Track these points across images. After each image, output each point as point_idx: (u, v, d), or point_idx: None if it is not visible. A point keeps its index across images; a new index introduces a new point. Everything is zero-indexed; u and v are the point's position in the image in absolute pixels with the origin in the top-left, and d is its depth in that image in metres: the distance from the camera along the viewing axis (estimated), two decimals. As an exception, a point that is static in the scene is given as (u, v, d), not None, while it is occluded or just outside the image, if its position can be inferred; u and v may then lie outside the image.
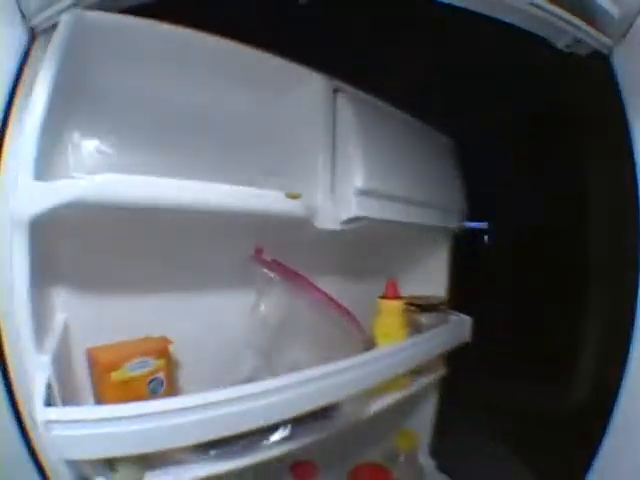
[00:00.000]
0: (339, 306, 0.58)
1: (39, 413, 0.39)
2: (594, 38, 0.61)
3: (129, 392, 0.41)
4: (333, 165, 0.65)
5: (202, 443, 0.45)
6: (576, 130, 2.27)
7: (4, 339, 0.46)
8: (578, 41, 0.64)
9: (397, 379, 0.67)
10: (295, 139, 0.67)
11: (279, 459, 0.54)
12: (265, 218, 0.55)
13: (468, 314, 0.95)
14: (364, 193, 0.64)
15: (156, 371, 0.44)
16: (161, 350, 0.44)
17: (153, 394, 0.43)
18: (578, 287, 2.25)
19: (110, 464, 0.43)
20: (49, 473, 0.44)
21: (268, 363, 0.56)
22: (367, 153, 0.65)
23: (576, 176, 2.27)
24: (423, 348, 0.72)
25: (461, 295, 1.05)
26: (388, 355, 0.62)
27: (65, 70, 0.49)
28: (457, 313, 0.90)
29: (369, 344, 0.68)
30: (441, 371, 0.90)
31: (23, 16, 0.55)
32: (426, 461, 0.98)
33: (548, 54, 0.62)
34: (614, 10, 0.55)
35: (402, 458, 0.84)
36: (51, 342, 0.46)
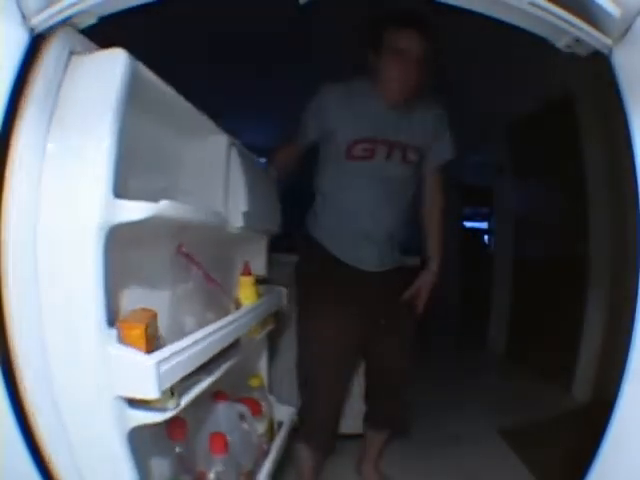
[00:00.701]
0: (216, 283, 0.93)
1: (148, 359, 0.55)
2: (594, 38, 0.61)
3: (150, 342, 0.59)
4: (226, 194, 1.01)
5: (198, 367, 0.69)
6: (576, 129, 2.27)
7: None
8: (578, 41, 0.64)
9: (255, 327, 1.06)
10: (205, 171, 1.02)
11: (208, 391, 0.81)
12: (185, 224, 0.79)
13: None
14: (244, 213, 1.06)
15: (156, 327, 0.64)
16: (154, 314, 0.64)
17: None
18: (578, 287, 2.25)
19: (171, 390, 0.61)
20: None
21: (180, 323, 0.78)
22: (247, 187, 1.07)
23: (576, 175, 2.28)
24: (264, 307, 1.13)
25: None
26: (252, 309, 1.02)
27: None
28: (277, 286, 1.32)
29: (238, 305, 1.03)
30: (272, 325, 1.29)
31: (23, 16, 0.55)
32: (271, 397, 1.40)
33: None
34: (614, 10, 0.55)
35: (255, 393, 1.21)
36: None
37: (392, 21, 1.17)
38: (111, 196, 0.55)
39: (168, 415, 0.61)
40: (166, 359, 0.58)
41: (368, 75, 1.23)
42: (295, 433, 1.32)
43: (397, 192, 1.30)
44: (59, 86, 0.57)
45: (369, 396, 1.46)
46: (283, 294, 1.34)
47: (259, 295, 1.11)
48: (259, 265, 1.35)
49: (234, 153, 1.07)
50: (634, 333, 0.60)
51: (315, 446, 1.29)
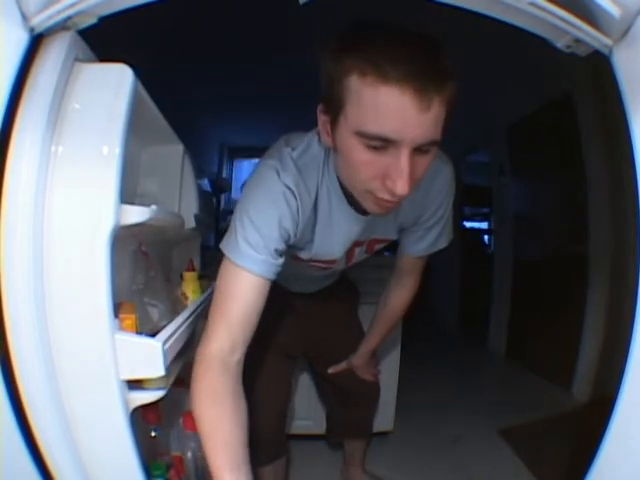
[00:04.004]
0: (169, 278, 1.07)
1: (155, 343, 0.62)
2: (594, 38, 0.61)
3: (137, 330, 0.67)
4: (180, 198, 1.14)
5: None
6: (576, 129, 2.27)
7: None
8: (578, 41, 0.64)
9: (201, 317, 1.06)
10: (161, 176, 1.11)
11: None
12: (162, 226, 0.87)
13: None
14: (195, 215, 1.18)
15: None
16: (134, 305, 0.71)
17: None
18: (578, 287, 2.25)
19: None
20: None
21: (147, 313, 0.82)
22: (197, 192, 1.22)
23: (576, 176, 2.28)
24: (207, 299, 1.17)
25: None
26: (200, 301, 1.03)
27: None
28: (214, 283, 1.29)
29: (186, 298, 1.01)
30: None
31: (23, 16, 0.55)
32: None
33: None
34: (614, 10, 0.55)
35: None
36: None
37: (362, 63, 0.52)
38: (119, 201, 0.59)
39: (162, 394, 0.68)
40: (165, 340, 0.65)
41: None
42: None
43: (344, 271, 1.09)
44: (62, 90, 0.58)
45: (324, 405, 1.43)
46: None
47: (202, 287, 1.14)
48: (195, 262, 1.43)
49: (187, 161, 1.18)
50: (634, 333, 0.60)
51: (272, 459, 1.13)
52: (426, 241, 0.90)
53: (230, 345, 0.66)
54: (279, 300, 0.81)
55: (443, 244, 0.91)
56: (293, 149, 0.72)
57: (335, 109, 0.57)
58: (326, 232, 0.77)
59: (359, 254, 0.91)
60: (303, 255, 0.82)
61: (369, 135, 0.53)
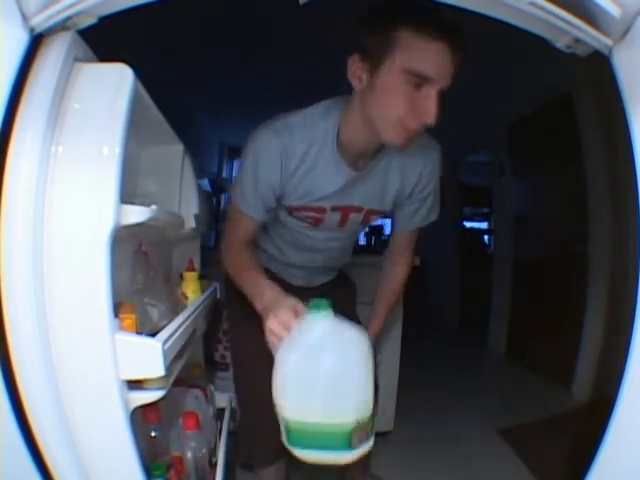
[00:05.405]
0: (169, 278, 1.09)
1: (154, 343, 0.62)
2: (594, 38, 0.61)
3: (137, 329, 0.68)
4: (180, 198, 1.14)
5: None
6: (576, 129, 2.27)
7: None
8: (578, 41, 0.64)
9: (200, 317, 1.09)
10: (161, 176, 1.13)
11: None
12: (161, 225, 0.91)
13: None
14: (195, 215, 1.19)
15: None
16: (134, 305, 0.71)
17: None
18: (578, 286, 2.25)
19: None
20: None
21: (146, 313, 0.83)
22: (197, 192, 1.21)
23: (576, 175, 2.28)
24: (209, 299, 1.21)
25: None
26: (202, 301, 1.07)
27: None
28: (214, 283, 1.33)
29: (185, 298, 1.06)
30: (210, 316, 1.37)
31: (23, 16, 0.55)
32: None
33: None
34: (614, 10, 0.55)
35: (198, 381, 1.30)
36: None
37: (413, 23, 0.69)
38: (119, 201, 0.59)
39: (162, 393, 0.68)
40: (165, 340, 0.65)
41: (343, 99, 0.86)
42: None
43: (347, 244, 1.12)
44: (62, 89, 0.58)
45: None
46: (218, 288, 1.41)
47: (202, 288, 1.16)
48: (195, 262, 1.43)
49: (187, 160, 1.16)
50: (634, 333, 0.60)
51: (274, 461, 1.12)
52: (420, 215, 1.01)
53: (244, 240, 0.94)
54: None
55: (434, 217, 1.03)
56: (296, 115, 0.87)
57: (380, 54, 0.72)
58: (310, 175, 0.89)
59: (354, 221, 0.99)
60: (293, 200, 0.93)
61: (414, 71, 0.70)
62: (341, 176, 0.89)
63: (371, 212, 0.98)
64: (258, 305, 0.77)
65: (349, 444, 0.61)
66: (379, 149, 0.89)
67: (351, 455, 0.63)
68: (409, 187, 0.96)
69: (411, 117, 0.73)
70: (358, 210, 0.96)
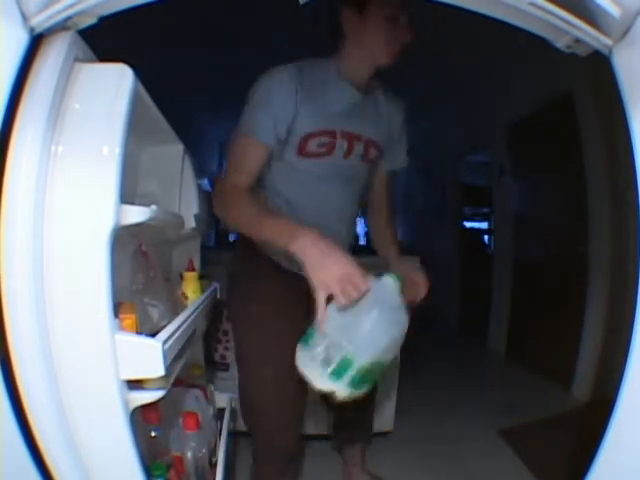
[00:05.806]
0: (169, 278, 1.09)
1: (155, 343, 0.62)
2: (594, 38, 0.61)
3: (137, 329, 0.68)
4: (180, 198, 1.15)
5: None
6: (576, 130, 2.27)
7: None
8: (578, 41, 0.64)
9: (200, 317, 1.08)
10: (161, 176, 1.13)
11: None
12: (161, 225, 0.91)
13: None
14: (196, 215, 1.19)
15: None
16: (134, 305, 0.72)
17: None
18: (578, 287, 2.25)
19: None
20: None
21: (146, 313, 0.84)
22: (197, 191, 1.22)
23: (576, 176, 2.28)
24: (209, 299, 1.22)
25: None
26: (202, 301, 1.08)
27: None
28: (214, 283, 1.35)
29: (185, 298, 1.07)
30: (210, 316, 1.39)
31: (23, 16, 0.55)
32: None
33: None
34: (614, 10, 0.55)
35: (198, 381, 1.33)
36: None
37: None
38: (119, 201, 0.59)
39: (162, 393, 0.68)
40: (165, 340, 0.66)
41: (333, 50, 1.04)
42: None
43: (351, 195, 1.14)
44: (62, 89, 0.58)
45: (333, 412, 1.41)
46: (218, 288, 1.43)
47: (202, 288, 1.17)
48: (195, 262, 1.43)
49: (187, 160, 1.17)
50: (634, 333, 0.60)
51: (285, 473, 1.13)
52: (399, 157, 1.22)
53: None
54: (293, 300, 1.03)
55: (405, 163, 1.23)
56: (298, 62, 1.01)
57: (362, 6, 0.96)
58: (321, 96, 1.01)
59: (357, 153, 1.08)
60: (306, 126, 1.00)
61: (389, 14, 0.95)
62: (347, 95, 1.03)
63: (369, 143, 1.09)
64: (293, 246, 0.80)
65: (381, 377, 0.84)
66: (369, 84, 1.07)
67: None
68: (397, 128, 1.16)
69: (394, 43, 0.98)
70: (359, 138, 1.07)
